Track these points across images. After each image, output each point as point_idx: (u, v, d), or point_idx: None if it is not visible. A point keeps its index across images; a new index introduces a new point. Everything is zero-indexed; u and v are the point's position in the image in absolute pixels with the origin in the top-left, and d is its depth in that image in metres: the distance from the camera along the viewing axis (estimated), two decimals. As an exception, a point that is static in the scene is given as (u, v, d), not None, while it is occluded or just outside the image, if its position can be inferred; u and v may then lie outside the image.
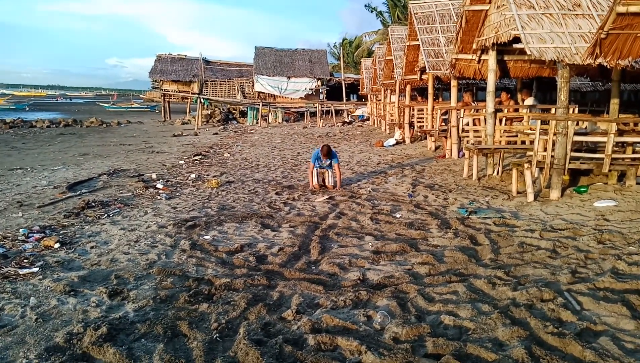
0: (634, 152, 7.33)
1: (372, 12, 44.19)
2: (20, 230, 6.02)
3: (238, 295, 3.90)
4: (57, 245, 5.41)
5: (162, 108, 38.76)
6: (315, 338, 3.14)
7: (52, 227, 6.26)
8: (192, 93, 37.03)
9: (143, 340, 3.25)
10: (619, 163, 7.13)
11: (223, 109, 36.93)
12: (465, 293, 3.80)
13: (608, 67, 5.97)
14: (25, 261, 4.89)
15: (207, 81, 39.06)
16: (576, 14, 6.93)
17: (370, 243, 5.27)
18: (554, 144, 6.89)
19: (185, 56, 40.76)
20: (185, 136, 23.10)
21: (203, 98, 33.75)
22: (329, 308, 3.63)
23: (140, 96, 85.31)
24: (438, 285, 4.02)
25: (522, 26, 6.77)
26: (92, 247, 5.37)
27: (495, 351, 2.92)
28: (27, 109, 52.94)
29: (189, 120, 33.82)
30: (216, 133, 24.13)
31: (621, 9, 4.66)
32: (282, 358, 2.94)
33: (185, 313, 3.61)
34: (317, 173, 8.54)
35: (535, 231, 5.44)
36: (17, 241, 5.62)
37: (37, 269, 4.65)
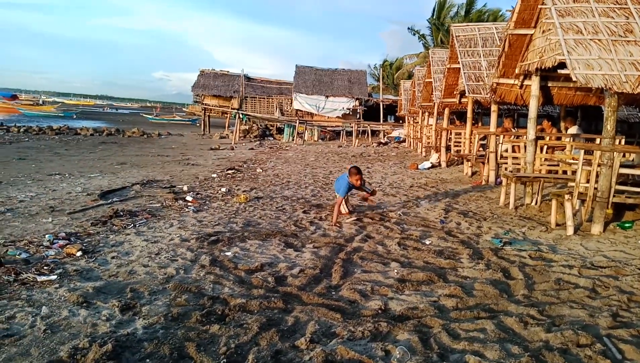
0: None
1: (414, 34, 44.18)
2: (46, 236, 6.05)
3: (252, 318, 3.73)
4: (79, 254, 5.39)
5: (202, 122, 39.52)
6: (327, 372, 2.93)
7: (78, 234, 6.28)
8: (231, 108, 37.64)
9: (147, 360, 3.11)
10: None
11: (261, 125, 37.33)
12: (494, 331, 3.52)
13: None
14: (45, 268, 4.87)
15: (247, 97, 39.66)
16: (627, 40, 6.58)
17: (395, 270, 5.02)
18: (597, 176, 6.50)
19: (228, 72, 41.57)
20: (221, 150, 23.36)
21: (242, 114, 34.22)
22: (345, 338, 3.41)
23: (183, 109, 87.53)
24: (465, 321, 3.74)
25: (568, 51, 6.46)
26: (112, 257, 5.32)
27: (524, 402, 2.64)
28: (75, 117, 54.97)
29: (227, 134, 34.30)
30: (252, 148, 24.31)
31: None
32: (289, 392, 2.75)
33: (195, 334, 3.46)
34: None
35: (573, 267, 5.07)
36: (41, 246, 5.64)
37: (55, 277, 4.62)
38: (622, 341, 3.39)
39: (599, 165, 6.48)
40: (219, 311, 3.85)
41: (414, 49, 67.89)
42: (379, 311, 3.96)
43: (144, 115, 66.48)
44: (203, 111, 39.80)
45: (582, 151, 6.76)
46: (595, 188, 6.53)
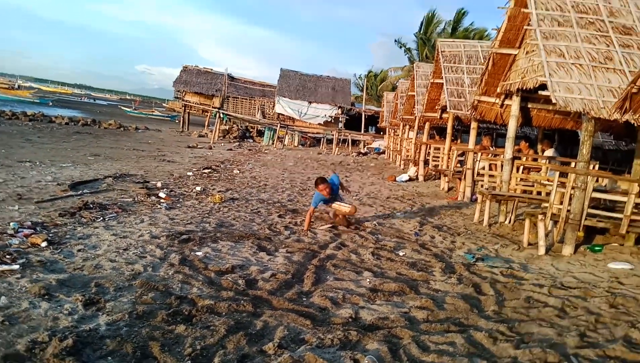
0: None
1: (401, 47, 44.64)
2: (11, 224, 5.83)
3: (219, 320, 3.64)
4: (44, 244, 5.21)
5: (182, 119, 39.05)
6: (293, 379, 2.87)
7: (44, 224, 6.08)
8: (212, 107, 37.30)
9: (109, 357, 3.00)
10: (638, 225, 6.80)
11: (241, 126, 37.08)
12: (464, 345, 3.50)
13: (635, 125, 5.73)
14: (7, 257, 4.68)
15: (229, 96, 39.40)
16: (607, 68, 6.72)
17: (368, 279, 4.98)
18: (571, 198, 6.61)
19: (211, 69, 41.25)
20: (199, 148, 23.08)
21: (223, 113, 33.95)
22: (314, 345, 3.35)
23: (163, 104, 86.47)
24: (435, 333, 3.72)
25: (550, 73, 6.56)
26: (79, 250, 5.16)
27: (490, 419, 2.62)
28: (51, 104, 53.71)
29: (205, 133, 33.96)
30: (230, 149, 24.09)
31: (657, 63, 4.45)
32: (254, 398, 2.67)
33: (160, 334, 3.36)
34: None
35: (544, 286, 5.11)
36: (4, 234, 5.43)
37: (17, 266, 4.44)
38: (588, 360, 3.41)
39: (572, 188, 6.58)
40: (185, 312, 3.75)
41: (399, 62, 68.48)
42: (350, 319, 3.91)
43: (123, 108, 65.39)
44: (183, 108, 39.34)
45: (557, 174, 6.86)
46: (568, 210, 6.63)
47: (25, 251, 4.94)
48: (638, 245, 6.95)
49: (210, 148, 23.77)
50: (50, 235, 5.59)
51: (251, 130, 37.37)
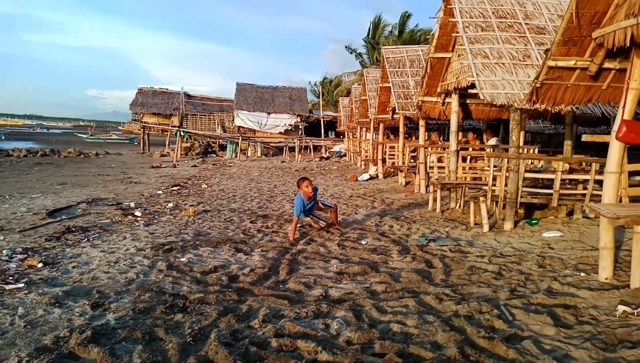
0: (584, 188, 8.01)
1: (352, 53, 45.88)
2: (4, 251, 6.30)
3: (210, 308, 4.30)
4: (40, 265, 5.72)
5: (142, 140, 38.99)
6: (277, 341, 3.56)
7: (35, 249, 6.56)
8: (172, 126, 37.47)
9: (124, 342, 3.62)
10: (568, 199, 7.78)
11: (202, 142, 37.38)
12: (415, 306, 4.28)
13: (552, 111, 6.68)
14: (10, 278, 5.20)
15: (188, 114, 39.65)
16: (526, 64, 7.70)
17: (335, 265, 5.73)
18: (507, 180, 7.53)
19: (167, 89, 41.39)
20: (163, 168, 23.38)
21: (183, 131, 34.20)
22: (292, 318, 4.06)
23: (119, 128, 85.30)
24: (391, 300, 4.49)
25: (477, 73, 7.49)
26: (73, 267, 5.70)
27: (433, 351, 3.39)
28: (3, 138, 52.45)
29: (167, 152, 34.10)
30: (195, 166, 24.48)
31: (551, 63, 5.37)
32: (248, 357, 3.35)
33: (162, 322, 3.99)
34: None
35: (485, 256, 5.98)
36: (1, 261, 5.90)
37: (22, 285, 4.96)
38: (515, 307, 4.23)
39: (507, 170, 7.52)
40: (180, 304, 4.39)
41: (352, 67, 70.06)
42: (321, 297, 4.63)
43: (79, 134, 64.34)
44: (142, 129, 39.32)
45: (492, 159, 7.79)
46: (506, 191, 7.55)
47: (24, 272, 5.44)
48: (570, 216, 7.94)
49: (175, 166, 24.10)
50: (43, 257, 6.09)
51: (213, 145, 37.71)
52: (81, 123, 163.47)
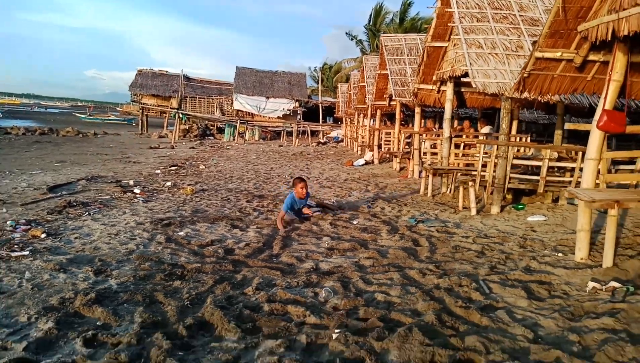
0: (571, 176, 8.27)
1: (352, 39, 45.81)
2: (8, 222, 6.54)
3: (207, 276, 4.57)
4: (43, 235, 5.97)
5: (140, 121, 39.09)
6: (269, 306, 3.83)
7: (37, 221, 6.80)
8: (170, 108, 37.54)
9: (125, 304, 3.88)
10: (554, 185, 8.04)
11: (201, 124, 37.49)
12: (399, 279, 4.56)
13: (541, 100, 6.91)
14: (15, 246, 5.45)
15: (187, 97, 39.69)
16: (518, 55, 7.90)
17: (326, 242, 5.99)
18: (495, 166, 7.79)
19: (167, 71, 41.37)
20: (161, 148, 23.56)
21: (182, 113, 34.29)
22: (283, 287, 4.33)
23: (117, 109, 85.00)
24: (378, 273, 4.76)
25: (470, 63, 7.70)
26: (76, 238, 5.95)
27: (413, 317, 3.66)
28: (1, 116, 52.39)
29: (166, 134, 34.23)
30: (193, 147, 24.67)
31: (539, 54, 5.60)
32: (242, 318, 3.62)
33: (161, 287, 4.25)
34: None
35: (470, 237, 6.25)
36: (5, 231, 6.15)
37: (27, 252, 5.22)
38: (492, 282, 4.51)
39: (496, 157, 7.77)
40: (178, 273, 4.66)
41: (352, 53, 69.95)
42: (311, 269, 4.90)
43: (77, 114, 64.18)
44: (141, 111, 39.38)
45: (482, 146, 8.04)
46: (494, 176, 7.81)
47: (28, 242, 5.69)
48: (555, 202, 8.21)
49: (173, 148, 24.29)
50: (46, 228, 6.34)
51: (211, 128, 37.83)
52: (79, 103, 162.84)
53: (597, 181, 5.39)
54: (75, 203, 8.09)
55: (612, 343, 3.21)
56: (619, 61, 4.78)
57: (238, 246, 5.75)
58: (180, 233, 6.30)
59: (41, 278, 4.39)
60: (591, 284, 4.36)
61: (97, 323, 3.52)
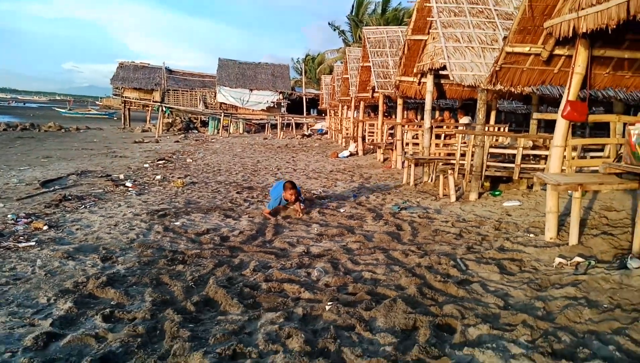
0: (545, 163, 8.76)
1: (335, 30, 45.97)
2: (9, 216, 6.79)
3: (206, 261, 4.93)
4: (45, 227, 6.24)
5: (123, 115, 38.90)
6: (267, 285, 4.22)
7: (36, 214, 7.04)
8: (153, 101, 37.44)
9: (135, 286, 4.23)
10: (528, 173, 8.53)
11: (184, 118, 37.50)
12: (384, 259, 4.98)
13: (514, 91, 7.37)
14: (21, 238, 5.73)
15: (169, 90, 39.57)
16: (493, 48, 8.36)
17: (315, 229, 6.39)
18: (473, 155, 8.24)
19: (148, 64, 41.13)
20: (146, 143, 23.65)
21: (165, 107, 34.27)
22: (278, 268, 4.72)
23: (97, 102, 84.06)
24: (364, 255, 5.19)
25: (448, 56, 8.13)
26: (77, 229, 6.24)
27: (397, 291, 4.08)
28: (-21, 112, 51.61)
29: (149, 128, 34.20)
30: (177, 141, 24.80)
31: (509, 49, 6.04)
32: (243, 296, 4.00)
33: (165, 271, 4.61)
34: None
35: (449, 221, 6.71)
36: (7, 224, 6.41)
37: (34, 243, 5.50)
38: (469, 260, 4.96)
39: (474, 146, 8.22)
40: (180, 258, 5.01)
41: (335, 44, 70.16)
42: (303, 252, 5.30)
43: (57, 109, 63.45)
44: (123, 104, 39.19)
45: (460, 136, 8.48)
46: (472, 165, 8.27)
47: (32, 233, 5.97)
48: (530, 189, 8.70)
49: (157, 142, 24.38)
50: (46, 221, 6.61)
51: (195, 121, 37.87)
52: (57, 97, 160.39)
53: (564, 168, 5.86)
54: (70, 197, 8.34)
55: (572, 307, 3.67)
56: (580, 55, 5.23)
57: (233, 234, 6.10)
58: (176, 223, 6.63)
59: (52, 265, 4.70)
60: (558, 259, 4.83)
61: (112, 303, 3.86)
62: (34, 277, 4.37)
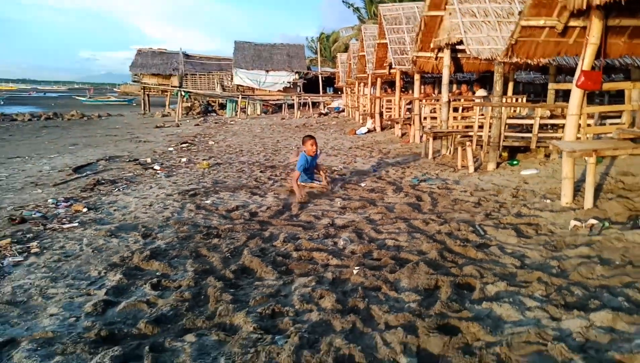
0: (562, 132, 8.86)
1: (349, 7, 45.58)
2: (49, 200, 7.23)
3: (239, 234, 5.26)
4: (85, 209, 6.65)
5: (142, 101, 39.49)
6: (297, 253, 4.54)
7: (74, 198, 7.47)
8: (172, 86, 37.90)
9: (176, 258, 4.59)
10: (545, 142, 8.66)
11: (202, 101, 37.93)
12: (405, 228, 5.25)
13: (532, 63, 7.47)
14: (64, 220, 6.14)
15: (187, 74, 39.99)
16: (509, 22, 8.44)
17: (339, 202, 6.68)
18: (491, 126, 8.40)
19: (165, 50, 41.55)
20: (167, 127, 24.12)
21: (184, 91, 34.69)
22: (307, 239, 5.03)
23: (115, 89, 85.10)
24: (387, 224, 5.46)
25: (464, 31, 8.24)
26: (114, 210, 6.63)
27: (419, 255, 4.36)
28: (2, 103, 52.81)
29: (168, 112, 34.69)
30: (197, 125, 25.22)
31: (524, 22, 6.16)
32: (276, 264, 4.32)
33: (203, 245, 4.96)
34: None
35: (467, 191, 6.93)
36: (49, 208, 6.84)
37: (76, 224, 5.91)
38: (487, 226, 5.20)
39: (491, 118, 8.37)
40: (214, 233, 5.35)
41: (349, 22, 69.53)
42: (328, 224, 5.60)
43: (77, 97, 64.52)
44: (142, 90, 39.76)
45: (477, 108, 8.63)
46: (489, 136, 8.43)
47: (73, 215, 6.38)
48: (547, 157, 8.84)
49: (178, 126, 24.84)
50: (85, 204, 7.03)
51: (213, 104, 38.28)
52: (75, 86, 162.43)
53: (580, 135, 6.01)
54: (103, 181, 8.77)
55: (585, 265, 3.92)
56: (595, 26, 5.34)
57: (260, 210, 6.43)
58: (207, 202, 6.98)
59: (97, 243, 5.08)
60: (573, 222, 5.04)
61: (157, 274, 4.22)
62: (83, 254, 4.75)
